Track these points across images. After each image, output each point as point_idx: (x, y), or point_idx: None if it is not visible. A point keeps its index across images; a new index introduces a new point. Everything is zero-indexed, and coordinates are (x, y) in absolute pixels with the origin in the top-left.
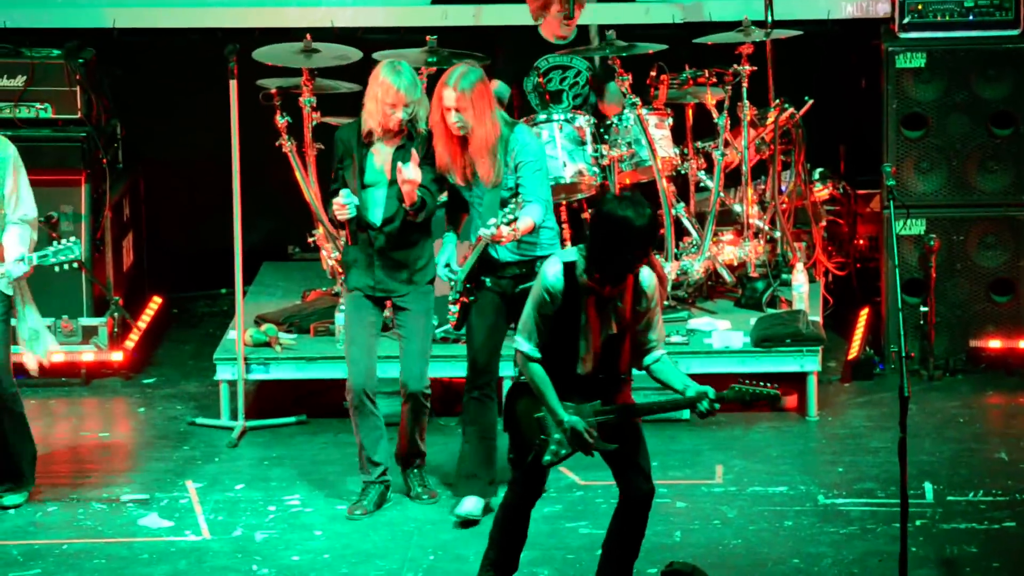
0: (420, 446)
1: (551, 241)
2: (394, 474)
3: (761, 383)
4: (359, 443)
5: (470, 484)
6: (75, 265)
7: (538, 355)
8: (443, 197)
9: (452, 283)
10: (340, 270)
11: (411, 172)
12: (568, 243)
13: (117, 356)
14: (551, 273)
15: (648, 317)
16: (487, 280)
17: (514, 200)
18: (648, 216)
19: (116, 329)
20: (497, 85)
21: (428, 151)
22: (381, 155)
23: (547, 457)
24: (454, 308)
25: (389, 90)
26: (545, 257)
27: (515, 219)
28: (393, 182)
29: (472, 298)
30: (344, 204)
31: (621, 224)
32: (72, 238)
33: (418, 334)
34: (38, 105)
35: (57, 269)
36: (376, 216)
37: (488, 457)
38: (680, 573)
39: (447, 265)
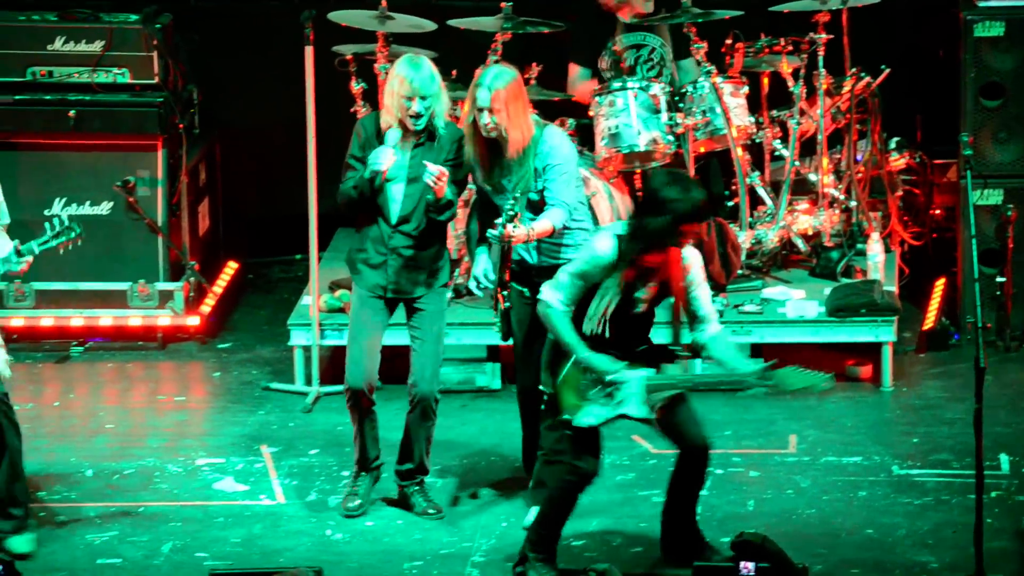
0: (425, 462)
1: (584, 242)
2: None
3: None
4: (359, 441)
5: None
6: (79, 242)
7: (566, 310)
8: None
9: (488, 293)
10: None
11: (437, 166)
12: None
13: (193, 321)
14: (602, 247)
15: (691, 293)
16: (525, 291)
17: (513, 199)
18: (692, 199)
19: (192, 294)
20: (577, 71)
21: (456, 152)
22: (403, 150)
23: (589, 418)
24: (496, 319)
25: (404, 82)
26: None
27: (516, 215)
28: (412, 180)
29: (508, 304)
30: (390, 158)
31: (663, 202)
32: (63, 217)
33: (433, 336)
34: (116, 70)
35: (62, 251)
36: (393, 213)
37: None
38: (750, 544)
39: (484, 276)
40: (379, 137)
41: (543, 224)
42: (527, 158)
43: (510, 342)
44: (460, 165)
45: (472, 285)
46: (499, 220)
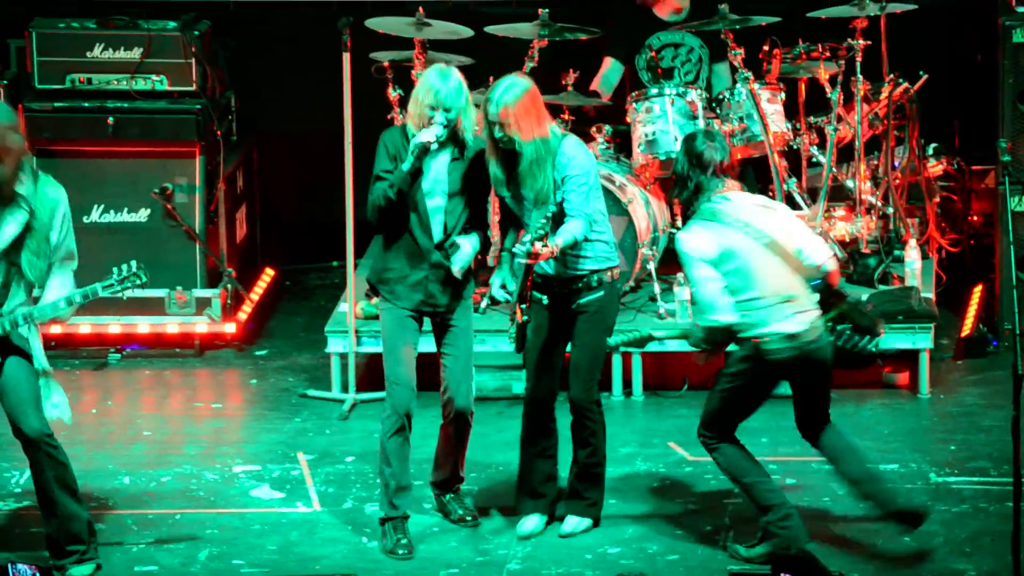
0: (460, 472)
1: (606, 254)
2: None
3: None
4: (391, 471)
5: (535, 503)
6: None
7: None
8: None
9: (509, 304)
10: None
11: (464, 258)
12: (679, 217)
13: (230, 328)
14: (692, 243)
15: None
16: (544, 299)
17: (545, 217)
18: (708, 144)
19: (229, 301)
20: (611, 64)
21: (479, 163)
22: (437, 163)
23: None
24: (512, 330)
25: (429, 92)
26: (599, 270)
27: (545, 234)
28: (452, 195)
29: (527, 318)
30: (433, 135)
31: (690, 143)
32: (133, 264)
33: (465, 352)
34: (154, 77)
35: (125, 296)
36: (436, 230)
37: (551, 475)
38: (785, 558)
39: (503, 286)
40: (407, 145)
41: (566, 237)
42: (544, 169)
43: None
44: (486, 177)
45: (498, 294)
46: (527, 237)
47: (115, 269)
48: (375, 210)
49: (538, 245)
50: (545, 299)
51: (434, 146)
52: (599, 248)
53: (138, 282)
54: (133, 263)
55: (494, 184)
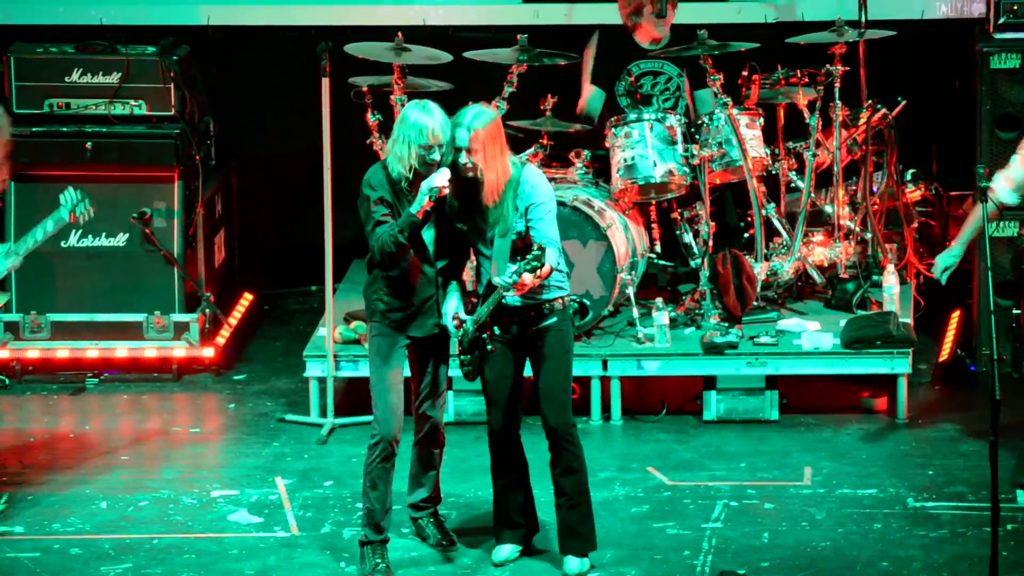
0: (437, 491)
1: (559, 283)
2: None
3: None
4: (377, 495)
5: (512, 533)
6: (86, 218)
7: None
8: None
9: (461, 334)
10: None
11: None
12: (657, 242)
13: (208, 352)
14: None
15: None
16: (495, 328)
17: (537, 248)
18: None
19: (207, 325)
20: (593, 91)
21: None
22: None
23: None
24: (466, 359)
25: (423, 133)
26: (553, 300)
27: (539, 266)
28: (437, 221)
29: (490, 347)
30: (447, 178)
31: None
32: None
33: (445, 372)
34: (132, 102)
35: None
36: (435, 256)
37: (526, 503)
38: None
39: (455, 316)
40: (395, 192)
41: (545, 268)
42: (504, 199)
43: (475, 382)
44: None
45: (451, 325)
46: (514, 268)
47: (61, 197)
48: (385, 256)
49: (526, 276)
50: (497, 329)
51: (442, 185)
52: (555, 277)
53: (82, 208)
54: (70, 188)
55: (449, 214)
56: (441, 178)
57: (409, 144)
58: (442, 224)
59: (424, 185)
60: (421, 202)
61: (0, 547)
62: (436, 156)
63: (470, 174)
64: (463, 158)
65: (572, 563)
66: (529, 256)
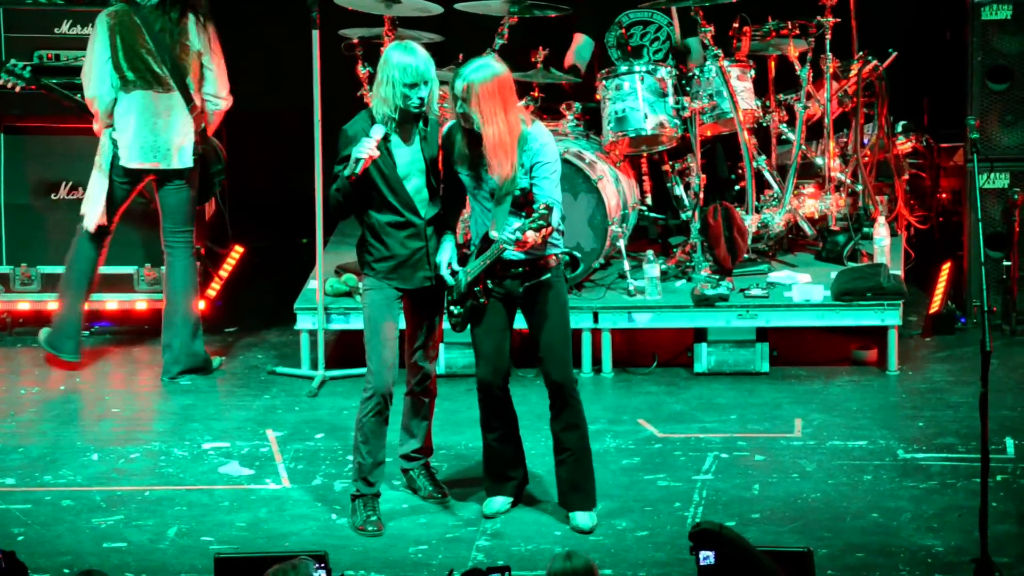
0: (430, 442)
1: (555, 240)
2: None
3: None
4: (369, 448)
5: (502, 486)
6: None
7: None
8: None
9: (453, 284)
10: None
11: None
12: (648, 195)
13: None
14: None
15: None
16: (488, 282)
17: (544, 207)
18: None
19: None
20: (582, 40)
21: (433, 135)
22: (406, 145)
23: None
24: (456, 310)
25: (406, 71)
26: (547, 256)
27: (545, 225)
28: (424, 170)
29: (482, 300)
30: (377, 139)
31: None
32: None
33: (436, 322)
34: None
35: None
36: (422, 207)
37: (516, 456)
38: (708, 533)
39: (449, 265)
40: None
41: (547, 227)
42: (509, 156)
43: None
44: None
45: (445, 275)
46: (519, 225)
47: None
48: (334, 210)
49: (530, 234)
50: (490, 283)
51: (365, 156)
52: (553, 236)
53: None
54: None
55: (457, 158)
56: (367, 149)
57: (393, 84)
58: (431, 176)
59: (353, 151)
60: (351, 169)
61: None
62: (423, 93)
63: (466, 125)
64: (459, 107)
65: (582, 518)
66: (535, 215)
